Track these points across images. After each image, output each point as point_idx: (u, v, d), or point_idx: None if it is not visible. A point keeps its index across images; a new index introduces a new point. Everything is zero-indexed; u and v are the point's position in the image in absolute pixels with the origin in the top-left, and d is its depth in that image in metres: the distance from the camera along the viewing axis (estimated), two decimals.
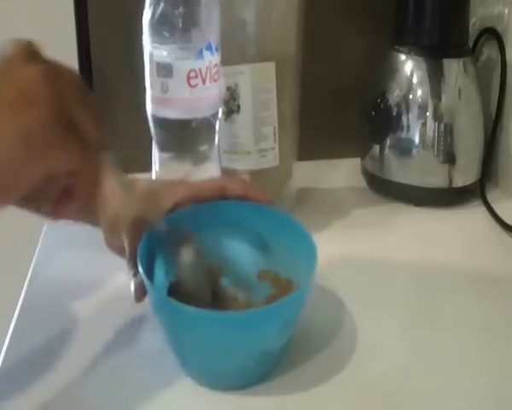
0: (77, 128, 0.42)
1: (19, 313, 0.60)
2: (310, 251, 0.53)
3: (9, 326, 0.58)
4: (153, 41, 0.61)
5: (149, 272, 0.52)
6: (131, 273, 0.56)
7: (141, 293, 0.55)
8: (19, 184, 0.41)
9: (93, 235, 0.59)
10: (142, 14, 0.62)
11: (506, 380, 0.54)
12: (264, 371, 0.52)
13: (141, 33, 0.63)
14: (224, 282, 0.59)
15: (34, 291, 0.63)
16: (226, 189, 0.58)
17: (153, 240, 0.54)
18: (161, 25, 0.60)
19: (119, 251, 0.58)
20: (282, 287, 0.56)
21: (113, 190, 0.57)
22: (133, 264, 0.55)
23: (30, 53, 0.42)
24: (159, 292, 0.53)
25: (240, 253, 0.59)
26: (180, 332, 0.51)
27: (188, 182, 0.60)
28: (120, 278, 0.60)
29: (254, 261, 0.59)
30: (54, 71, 0.42)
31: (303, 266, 0.53)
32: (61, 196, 0.46)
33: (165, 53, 0.61)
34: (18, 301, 0.62)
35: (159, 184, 0.62)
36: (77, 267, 0.67)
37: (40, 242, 0.72)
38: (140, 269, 0.50)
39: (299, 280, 0.54)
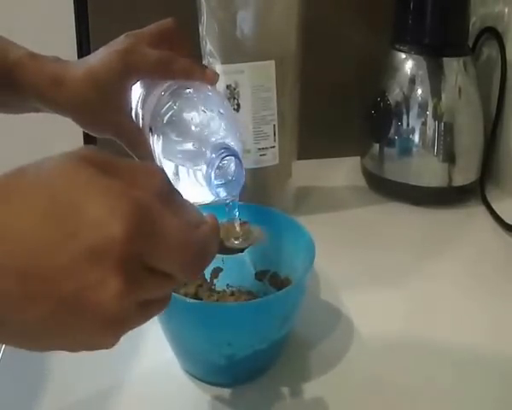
0: (147, 302, 0.33)
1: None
2: (308, 248, 0.54)
3: None
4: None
5: None
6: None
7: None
8: None
9: None
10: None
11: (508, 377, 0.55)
12: (262, 365, 0.53)
13: None
14: (222, 283, 0.60)
15: None
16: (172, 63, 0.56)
17: None
18: None
19: (108, 130, 0.57)
20: (282, 286, 0.57)
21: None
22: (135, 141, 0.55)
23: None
24: None
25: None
26: (180, 326, 0.51)
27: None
28: None
29: (252, 262, 0.59)
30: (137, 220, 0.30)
31: (302, 264, 0.54)
32: None
33: None
34: None
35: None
36: None
37: None
38: None
39: (297, 277, 0.55)
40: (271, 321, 0.51)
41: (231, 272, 0.60)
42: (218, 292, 0.59)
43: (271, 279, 0.59)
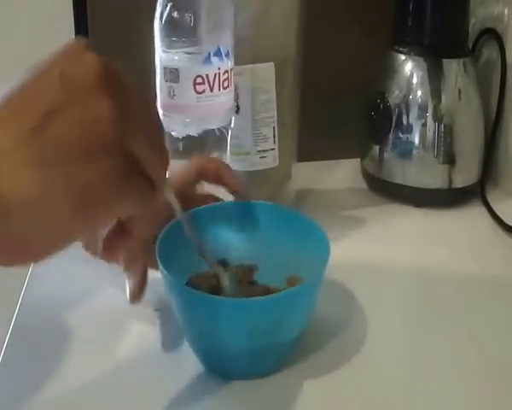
0: (138, 166, 0.35)
1: (14, 324, 0.61)
2: (322, 247, 0.54)
3: (6, 334, 0.59)
4: (161, 45, 0.61)
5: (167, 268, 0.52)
6: (127, 276, 0.56)
7: (137, 294, 0.55)
8: (52, 248, 0.34)
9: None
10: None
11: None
12: (278, 360, 0.54)
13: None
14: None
15: (29, 302, 0.64)
16: (202, 170, 0.58)
17: (170, 237, 0.54)
18: (169, 28, 0.60)
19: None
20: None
21: None
22: (130, 266, 0.55)
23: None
24: (182, 286, 0.53)
25: (270, 259, 0.59)
26: (198, 321, 0.52)
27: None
28: (115, 290, 0.62)
29: (284, 267, 0.59)
30: (121, 90, 0.34)
31: (315, 262, 0.54)
32: (113, 236, 0.40)
33: (172, 57, 0.61)
34: (13, 312, 0.62)
35: None
36: (72, 279, 0.66)
37: None
38: (160, 266, 0.50)
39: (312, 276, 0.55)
40: (287, 316, 0.51)
41: (265, 272, 0.60)
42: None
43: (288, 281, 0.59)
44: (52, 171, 0.31)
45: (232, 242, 0.59)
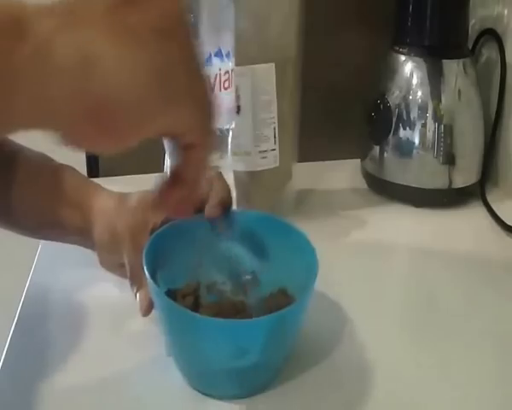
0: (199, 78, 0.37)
1: (15, 325, 0.61)
2: (310, 262, 0.53)
3: (7, 336, 0.59)
4: None
5: (154, 278, 0.51)
6: (135, 289, 0.56)
7: (147, 307, 0.56)
8: (137, 130, 0.36)
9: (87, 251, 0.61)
10: None
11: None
12: (264, 381, 0.52)
13: None
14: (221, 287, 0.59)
15: (31, 303, 0.64)
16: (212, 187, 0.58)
17: (157, 245, 0.54)
18: None
19: (117, 269, 0.59)
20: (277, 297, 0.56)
21: (104, 206, 0.57)
22: (136, 280, 0.55)
23: None
24: (165, 298, 0.51)
25: (238, 258, 0.59)
26: (184, 339, 0.51)
27: None
28: (117, 292, 0.63)
29: (252, 267, 0.58)
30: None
31: (302, 276, 0.53)
32: (167, 186, 0.42)
33: None
34: (15, 313, 0.63)
35: (150, 195, 0.60)
36: (72, 282, 0.67)
37: (36, 258, 0.72)
38: (147, 275, 0.50)
39: (294, 287, 0.55)
40: (273, 338, 0.49)
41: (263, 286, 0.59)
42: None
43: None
44: (137, 39, 0.33)
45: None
